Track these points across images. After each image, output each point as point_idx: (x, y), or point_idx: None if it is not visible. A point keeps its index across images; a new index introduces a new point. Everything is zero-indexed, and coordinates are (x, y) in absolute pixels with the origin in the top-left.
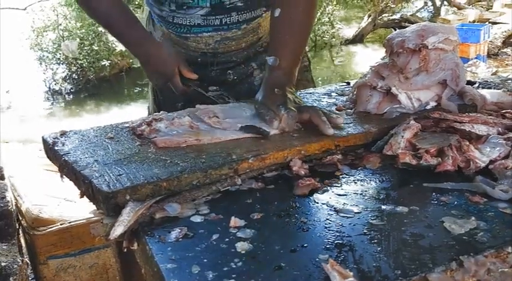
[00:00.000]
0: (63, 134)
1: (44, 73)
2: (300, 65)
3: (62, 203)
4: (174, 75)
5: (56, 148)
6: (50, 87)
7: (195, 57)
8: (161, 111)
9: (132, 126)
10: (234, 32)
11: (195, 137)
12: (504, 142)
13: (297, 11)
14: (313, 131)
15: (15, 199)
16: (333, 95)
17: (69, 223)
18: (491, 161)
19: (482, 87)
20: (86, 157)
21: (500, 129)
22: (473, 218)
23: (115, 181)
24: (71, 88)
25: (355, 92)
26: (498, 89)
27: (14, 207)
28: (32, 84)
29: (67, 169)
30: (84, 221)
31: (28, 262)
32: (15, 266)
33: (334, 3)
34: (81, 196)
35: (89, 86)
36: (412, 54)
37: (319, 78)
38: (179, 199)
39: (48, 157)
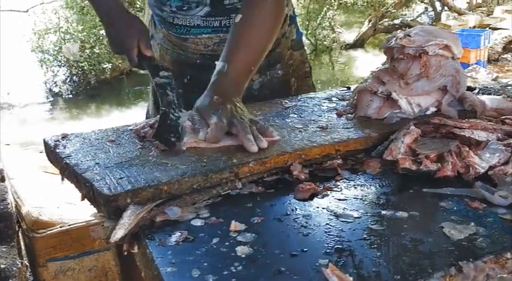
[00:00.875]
0: (65, 136)
1: (44, 75)
2: (251, 76)
3: (61, 206)
4: (132, 47)
5: (57, 151)
6: (50, 90)
7: (194, 59)
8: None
9: (136, 129)
10: None
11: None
12: (504, 148)
13: (258, 21)
14: (313, 136)
15: (15, 201)
16: (333, 100)
17: (69, 225)
18: (491, 167)
19: (482, 93)
20: (87, 160)
21: (499, 135)
22: (472, 223)
23: (116, 184)
24: (72, 91)
25: (355, 97)
26: (498, 95)
27: (14, 209)
28: (32, 86)
29: (68, 171)
30: (84, 224)
31: (27, 264)
32: (15, 268)
33: (335, 7)
34: (82, 199)
35: (89, 88)
36: (413, 60)
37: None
38: (180, 203)
39: (49, 160)
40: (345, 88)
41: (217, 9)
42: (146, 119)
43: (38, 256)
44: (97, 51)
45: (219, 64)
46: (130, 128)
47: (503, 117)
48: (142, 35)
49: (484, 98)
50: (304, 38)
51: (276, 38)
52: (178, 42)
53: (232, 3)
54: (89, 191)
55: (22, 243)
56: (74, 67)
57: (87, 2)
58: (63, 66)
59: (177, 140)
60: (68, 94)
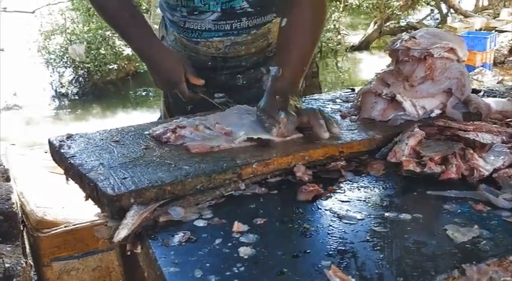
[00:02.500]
0: (69, 137)
1: (50, 76)
2: (305, 74)
3: (66, 206)
4: (180, 82)
5: (62, 151)
6: (56, 91)
7: (205, 62)
8: (180, 118)
9: (157, 135)
10: (243, 37)
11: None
12: (508, 150)
13: (304, 22)
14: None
15: (20, 201)
16: (337, 102)
17: (74, 225)
18: (495, 170)
19: (487, 96)
20: (92, 160)
21: (504, 138)
22: (476, 226)
23: (120, 184)
24: (77, 91)
25: (359, 99)
26: (503, 97)
27: (18, 209)
28: (38, 87)
29: (72, 171)
30: (89, 224)
31: (32, 263)
32: (19, 267)
33: (341, 10)
34: (86, 199)
35: (95, 89)
36: (418, 62)
37: (325, 85)
38: (183, 203)
39: (54, 160)
40: (349, 90)
41: (228, 13)
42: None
43: (43, 255)
44: (103, 52)
45: (273, 69)
46: (147, 132)
47: (508, 120)
48: (186, 66)
49: (489, 100)
50: None
51: (321, 37)
52: (189, 45)
53: (243, 8)
54: (92, 191)
55: (27, 242)
56: (79, 68)
57: None
58: (69, 67)
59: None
60: (74, 95)
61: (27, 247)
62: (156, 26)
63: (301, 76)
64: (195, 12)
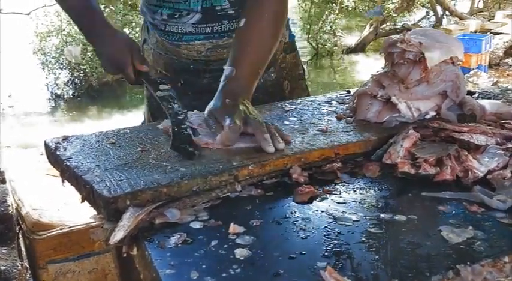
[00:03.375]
0: (65, 139)
1: (46, 78)
2: (259, 77)
3: (62, 208)
4: (126, 66)
5: (58, 153)
6: (52, 92)
7: (188, 65)
8: (194, 111)
9: (167, 128)
10: (225, 40)
11: None
12: (502, 152)
13: (262, 24)
14: (313, 139)
15: (16, 203)
16: (333, 103)
17: (69, 227)
18: (490, 171)
19: (482, 98)
20: (88, 162)
21: (498, 139)
22: (470, 227)
23: (116, 186)
24: (73, 93)
25: (355, 101)
26: (498, 99)
27: (14, 211)
28: (34, 88)
29: (68, 173)
30: (84, 226)
31: (27, 266)
32: (15, 270)
33: (336, 12)
34: (82, 201)
35: (91, 91)
36: (413, 65)
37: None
38: (179, 205)
39: (49, 162)
40: (345, 92)
41: (208, 16)
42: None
43: (38, 258)
44: None
45: (227, 69)
46: (159, 126)
47: (503, 121)
48: (134, 50)
49: (484, 102)
50: (305, 42)
51: (279, 40)
52: (171, 48)
53: (224, 9)
54: (88, 193)
55: (22, 245)
56: (75, 70)
57: None
58: (65, 68)
59: (195, 150)
60: (70, 97)
61: (23, 249)
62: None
63: (256, 79)
64: (176, 16)
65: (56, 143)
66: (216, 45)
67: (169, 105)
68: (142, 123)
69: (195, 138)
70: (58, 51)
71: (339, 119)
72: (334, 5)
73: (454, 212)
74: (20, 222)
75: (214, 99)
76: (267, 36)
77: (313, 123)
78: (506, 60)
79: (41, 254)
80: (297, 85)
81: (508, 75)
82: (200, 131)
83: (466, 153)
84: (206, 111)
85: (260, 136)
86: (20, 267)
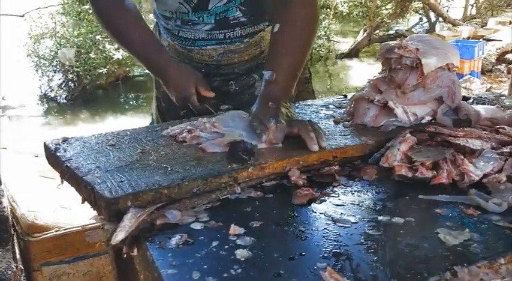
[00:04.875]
0: (65, 140)
1: (40, 80)
2: (297, 79)
3: (57, 210)
4: (191, 95)
5: (58, 154)
6: (45, 95)
7: (199, 68)
8: (205, 118)
9: (174, 134)
10: (236, 45)
11: None
12: (497, 156)
13: (296, 27)
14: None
15: (11, 204)
16: (330, 107)
17: (64, 229)
18: (485, 175)
19: (477, 103)
20: (88, 163)
21: (493, 144)
22: (467, 230)
23: (117, 187)
24: (67, 96)
25: (352, 105)
26: (492, 105)
27: (9, 213)
28: (28, 91)
29: (69, 174)
30: (79, 228)
31: (22, 268)
32: (10, 272)
33: (331, 17)
34: (83, 202)
35: (85, 94)
36: (410, 70)
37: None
38: (179, 206)
39: (49, 163)
40: (342, 96)
41: (221, 24)
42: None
43: (33, 260)
44: (93, 56)
45: (266, 73)
46: (164, 133)
47: (497, 126)
48: (198, 78)
49: (479, 107)
50: None
51: (313, 42)
52: (183, 52)
53: (237, 18)
54: (89, 194)
55: (17, 247)
56: (69, 72)
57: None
58: (59, 71)
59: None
60: (63, 99)
61: (18, 251)
62: None
63: (294, 81)
64: (189, 23)
65: (56, 145)
66: (227, 50)
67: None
68: (150, 124)
69: (203, 145)
70: (52, 54)
71: (336, 123)
72: (328, 10)
73: (450, 215)
74: (15, 224)
75: (257, 103)
76: (302, 38)
77: None
78: (498, 67)
79: (35, 256)
80: (304, 88)
81: (500, 81)
82: (207, 136)
83: (462, 157)
84: (250, 115)
85: (306, 135)
86: (14, 269)
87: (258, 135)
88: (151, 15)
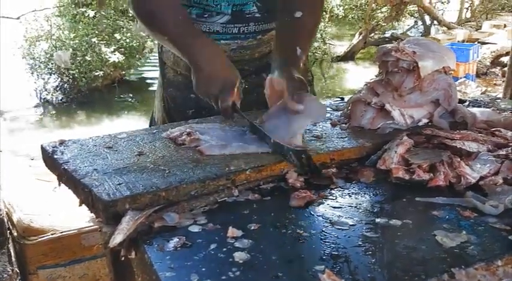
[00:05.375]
0: (62, 143)
1: (35, 83)
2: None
3: (53, 213)
4: (233, 86)
5: (55, 157)
6: (41, 97)
7: None
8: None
9: (174, 137)
10: (250, 41)
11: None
12: (494, 159)
13: (315, 16)
14: (308, 145)
15: (6, 208)
16: (327, 110)
17: (60, 233)
18: (482, 177)
19: (473, 106)
20: (86, 166)
21: (490, 146)
22: (464, 232)
23: (115, 190)
24: (62, 98)
25: (349, 108)
26: (488, 107)
27: (5, 216)
28: (23, 93)
29: (66, 177)
30: (75, 231)
31: (18, 271)
32: (5, 275)
33: (326, 20)
34: (80, 204)
35: (80, 96)
36: (407, 73)
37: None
38: (177, 209)
39: (46, 166)
40: (339, 99)
41: (237, 17)
42: (151, 126)
43: (29, 263)
44: (88, 58)
45: (297, 50)
46: (164, 135)
47: (493, 129)
48: (239, 78)
49: (475, 110)
50: None
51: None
52: None
53: (252, 12)
54: (87, 197)
55: (12, 250)
56: (65, 75)
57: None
58: (54, 73)
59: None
60: (59, 102)
61: (13, 254)
62: None
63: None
64: (205, 15)
65: (53, 147)
66: (240, 46)
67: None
68: (150, 125)
69: (201, 147)
70: (47, 56)
71: (333, 125)
72: (324, 13)
73: (447, 217)
74: (11, 227)
75: (280, 68)
76: (316, 24)
77: (308, 130)
78: (493, 70)
79: (31, 260)
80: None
81: (495, 84)
82: (207, 138)
83: (459, 159)
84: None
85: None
86: (10, 272)
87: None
88: None
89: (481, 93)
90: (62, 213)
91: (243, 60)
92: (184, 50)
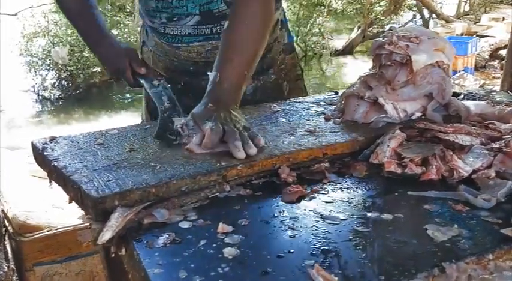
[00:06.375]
0: (53, 139)
1: (33, 79)
2: (247, 80)
3: (49, 210)
4: (125, 70)
5: (45, 153)
6: (38, 94)
7: (188, 66)
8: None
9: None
10: None
11: None
12: (487, 152)
13: (244, 25)
14: (301, 140)
15: (2, 204)
16: (321, 104)
17: (56, 229)
18: (474, 171)
19: (467, 99)
20: (75, 163)
21: (483, 139)
22: (456, 225)
23: (104, 186)
24: (60, 95)
25: (343, 102)
26: (483, 100)
27: (0, 213)
28: (20, 90)
29: (56, 174)
30: (71, 228)
31: (14, 268)
32: (1, 272)
33: (325, 14)
34: (70, 201)
35: (78, 92)
36: (400, 67)
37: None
38: (167, 205)
39: (37, 162)
40: (333, 93)
41: (207, 17)
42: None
43: (25, 260)
44: (86, 55)
45: (211, 74)
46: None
47: (487, 122)
48: (132, 55)
49: (469, 103)
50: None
51: (266, 42)
52: (170, 51)
53: (222, 11)
54: (76, 194)
55: (9, 247)
56: (62, 71)
57: None
58: (52, 70)
59: (176, 139)
60: (56, 98)
61: (9, 251)
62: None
63: (243, 81)
64: (174, 19)
65: (43, 144)
66: (216, 46)
67: (161, 101)
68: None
69: (188, 146)
70: (45, 53)
71: (327, 119)
72: (322, 7)
73: (439, 211)
74: (7, 224)
75: (200, 103)
76: (251, 37)
77: (301, 124)
78: (492, 63)
79: (27, 256)
80: (295, 86)
81: (493, 77)
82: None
83: (451, 153)
84: (190, 114)
85: (230, 143)
86: (6, 269)
87: (190, 136)
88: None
89: (479, 87)
90: (58, 209)
91: None
92: (86, 43)
